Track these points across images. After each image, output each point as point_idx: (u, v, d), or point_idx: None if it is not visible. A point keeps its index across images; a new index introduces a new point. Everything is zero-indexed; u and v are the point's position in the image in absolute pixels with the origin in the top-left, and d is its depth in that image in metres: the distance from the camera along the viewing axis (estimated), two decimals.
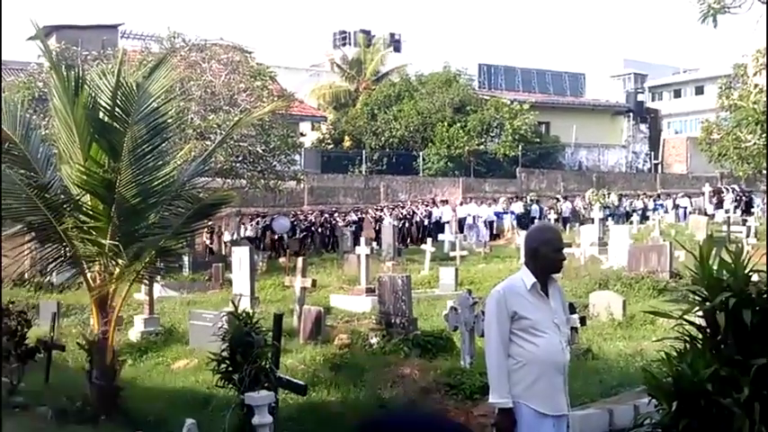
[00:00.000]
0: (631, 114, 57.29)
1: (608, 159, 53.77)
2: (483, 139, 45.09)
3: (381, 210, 35.78)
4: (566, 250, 22.29)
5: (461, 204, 37.54)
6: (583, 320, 12.36)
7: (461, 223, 35.08)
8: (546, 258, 5.03)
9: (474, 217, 35.59)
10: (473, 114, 44.92)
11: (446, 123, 44.43)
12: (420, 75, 50.05)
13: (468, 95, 46.88)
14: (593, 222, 28.02)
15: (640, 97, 59.78)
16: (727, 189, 41.84)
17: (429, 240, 25.96)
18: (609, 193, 41.39)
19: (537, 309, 4.96)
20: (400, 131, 45.07)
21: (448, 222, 34.71)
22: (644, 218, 37.06)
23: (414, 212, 35.93)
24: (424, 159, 44.73)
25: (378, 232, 30.96)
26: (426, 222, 35.47)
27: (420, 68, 51.80)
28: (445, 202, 37.74)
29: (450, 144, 43.96)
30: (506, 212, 37.11)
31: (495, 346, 4.96)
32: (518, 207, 38.00)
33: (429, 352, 12.25)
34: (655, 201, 42.18)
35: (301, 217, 33.56)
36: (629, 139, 56.52)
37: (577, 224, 34.96)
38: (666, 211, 38.79)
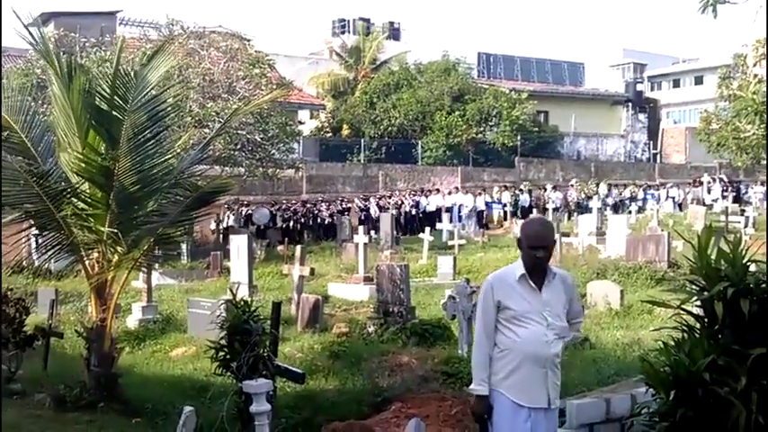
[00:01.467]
0: (630, 104, 57.18)
1: (607, 149, 53.70)
2: (482, 128, 45.01)
3: (367, 199, 35.45)
4: (565, 240, 22.10)
5: (450, 194, 37.32)
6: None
7: (450, 212, 34.89)
8: (525, 253, 5.02)
9: (460, 206, 35.36)
10: (472, 103, 44.82)
11: (445, 112, 44.35)
12: (419, 63, 49.96)
13: (466, 84, 46.78)
14: (579, 213, 27.99)
15: (639, 87, 59.68)
16: (714, 179, 41.87)
17: (427, 229, 25.96)
18: (598, 183, 41.29)
19: (524, 299, 4.94)
20: (399, 120, 44.99)
21: (435, 212, 34.57)
22: (640, 209, 36.90)
23: (402, 202, 35.56)
24: (422, 148, 44.67)
25: (362, 221, 30.81)
26: (414, 212, 35.17)
27: (419, 57, 51.81)
28: (437, 191, 37.55)
29: (448, 133, 43.89)
30: (496, 202, 36.84)
31: (479, 334, 5.09)
32: (507, 197, 37.80)
33: (427, 340, 12.29)
34: (645, 191, 41.90)
35: (284, 207, 33.07)
36: (628, 128, 56.43)
37: (566, 215, 35.00)
38: (657, 201, 38.61)
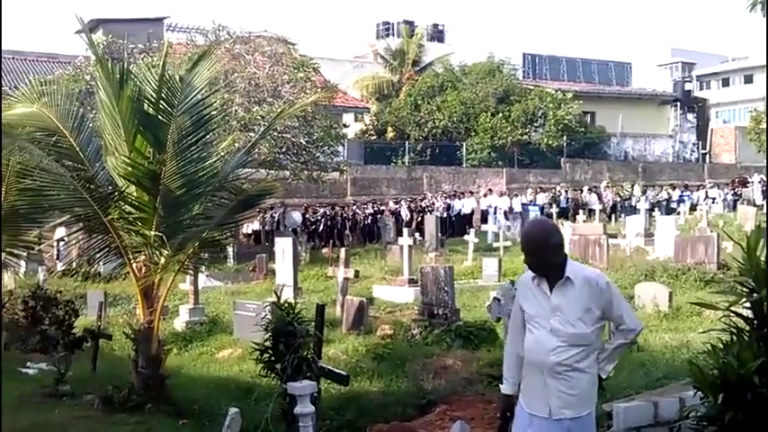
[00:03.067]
0: (678, 104, 56.45)
1: (654, 149, 53.02)
2: (527, 130, 44.72)
3: (398, 202, 35.16)
4: (612, 241, 21.83)
5: (485, 196, 36.96)
6: None
7: (484, 215, 34.70)
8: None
9: (495, 209, 35.08)
10: (517, 104, 44.58)
11: (489, 113, 44.17)
12: (463, 65, 49.82)
13: (511, 85, 46.56)
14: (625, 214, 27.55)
15: (688, 86, 58.87)
16: (752, 180, 41.08)
17: (472, 231, 25.87)
18: (632, 185, 40.73)
19: (536, 303, 4.79)
20: (443, 122, 44.92)
21: (470, 214, 34.38)
22: (668, 210, 35.84)
23: (433, 204, 35.06)
24: (467, 150, 44.53)
25: (383, 225, 30.89)
26: (446, 215, 34.60)
27: (463, 58, 51.65)
28: (471, 193, 37.22)
29: (493, 134, 43.70)
30: (532, 204, 36.28)
31: (509, 334, 5.13)
32: (542, 198, 37.28)
33: (472, 343, 12.26)
34: (681, 192, 41.07)
35: (311, 211, 32.72)
36: (677, 128, 55.70)
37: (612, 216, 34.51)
38: (695, 203, 37.75)
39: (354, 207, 34.20)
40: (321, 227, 32.05)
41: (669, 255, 19.84)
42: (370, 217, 33.36)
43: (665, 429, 6.47)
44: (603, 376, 4.86)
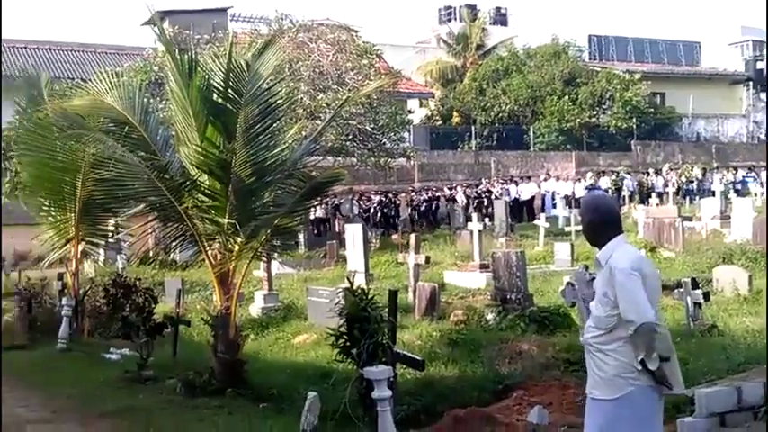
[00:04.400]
0: (751, 83, 54.89)
1: (727, 130, 51.64)
2: (595, 112, 44.01)
3: (454, 188, 34.76)
4: (687, 224, 21.24)
5: (545, 180, 36.36)
6: (707, 296, 12.01)
7: (543, 200, 34.14)
8: None
9: (553, 193, 34.31)
10: (584, 86, 43.87)
11: (556, 96, 43.56)
12: (528, 48, 49.16)
13: (578, 67, 45.80)
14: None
15: (760, 65, 57.13)
16: None
17: (542, 215, 25.60)
18: (692, 167, 39.73)
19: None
20: (509, 106, 44.47)
21: (530, 200, 33.92)
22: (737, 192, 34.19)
23: (489, 191, 34.22)
24: (534, 134, 44.02)
25: (451, 211, 30.73)
26: (506, 200, 33.82)
27: (527, 41, 51.02)
28: (529, 178, 36.56)
29: (560, 117, 43.09)
30: (596, 188, 35.35)
31: None
32: (605, 182, 36.33)
33: (546, 328, 12.13)
34: (746, 173, 39.16)
35: (365, 198, 32.49)
36: (750, 108, 54.18)
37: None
38: (762, 185, 36.41)
39: (413, 193, 34.08)
40: (378, 214, 31.99)
41: (747, 237, 19.37)
42: (424, 204, 33.15)
43: (749, 414, 6.33)
44: (638, 366, 4.57)
